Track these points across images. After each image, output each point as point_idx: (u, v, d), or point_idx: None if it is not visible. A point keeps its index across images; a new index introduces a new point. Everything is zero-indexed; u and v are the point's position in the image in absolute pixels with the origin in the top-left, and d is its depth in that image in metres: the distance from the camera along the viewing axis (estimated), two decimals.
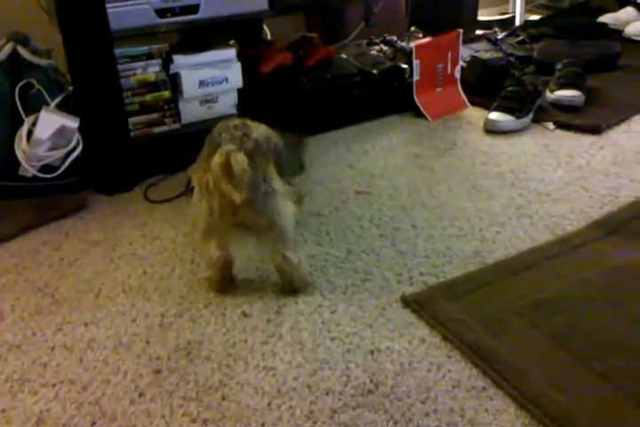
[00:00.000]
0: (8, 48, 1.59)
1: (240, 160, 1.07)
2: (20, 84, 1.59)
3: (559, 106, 2.06)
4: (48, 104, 1.60)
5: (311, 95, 1.98)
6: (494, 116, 1.95)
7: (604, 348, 1.06)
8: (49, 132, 1.55)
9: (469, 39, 2.54)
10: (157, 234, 1.47)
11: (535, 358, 1.04)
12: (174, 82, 1.76)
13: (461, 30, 2.10)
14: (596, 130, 1.91)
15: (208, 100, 1.82)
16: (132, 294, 1.27)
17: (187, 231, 1.47)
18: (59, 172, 1.60)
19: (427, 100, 2.09)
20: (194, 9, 1.69)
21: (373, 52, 2.27)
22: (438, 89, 2.13)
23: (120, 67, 1.63)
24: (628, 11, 2.84)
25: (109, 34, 1.54)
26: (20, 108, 1.58)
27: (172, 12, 1.66)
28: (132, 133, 1.70)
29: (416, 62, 2.03)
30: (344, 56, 2.19)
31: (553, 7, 3.06)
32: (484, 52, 2.32)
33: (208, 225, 1.18)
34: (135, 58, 1.68)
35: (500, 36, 2.65)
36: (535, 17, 3.01)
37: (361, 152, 1.84)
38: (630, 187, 1.58)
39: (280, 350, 1.09)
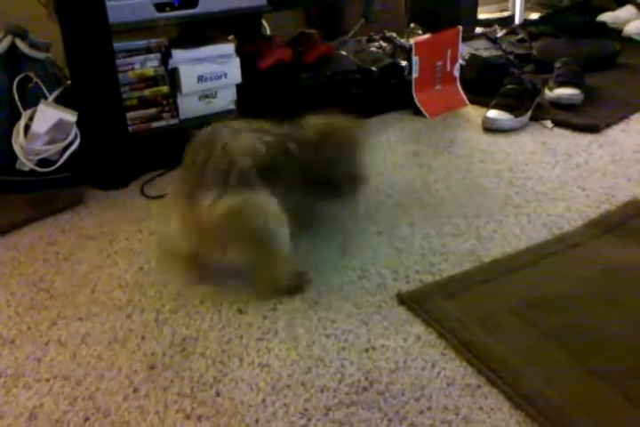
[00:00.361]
0: (6, 41, 1.59)
1: (218, 216, 1.07)
2: (18, 77, 1.59)
3: (558, 104, 2.06)
4: (46, 98, 1.60)
5: (310, 91, 1.97)
6: (493, 114, 1.95)
7: (600, 346, 1.05)
8: (46, 125, 1.55)
9: (469, 37, 2.54)
10: (154, 229, 1.47)
11: (530, 357, 1.04)
12: (173, 77, 1.76)
13: (461, 27, 2.10)
14: (594, 128, 1.91)
15: (207, 96, 1.82)
16: (127, 289, 1.26)
17: None
18: (56, 166, 1.60)
19: (425, 97, 2.08)
20: (193, 3, 1.69)
21: (373, 49, 2.26)
22: (437, 87, 2.12)
23: (118, 61, 1.63)
24: (628, 9, 2.85)
25: (108, 28, 1.54)
26: (18, 102, 1.58)
27: (170, 6, 1.66)
28: (129, 128, 1.69)
29: (415, 59, 2.02)
30: (343, 52, 2.18)
31: (553, 6, 3.06)
32: (483, 50, 2.32)
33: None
34: (134, 52, 1.68)
35: (500, 34, 2.65)
36: (535, 15, 3.01)
37: None
38: (628, 186, 1.58)
39: (275, 347, 1.09)
